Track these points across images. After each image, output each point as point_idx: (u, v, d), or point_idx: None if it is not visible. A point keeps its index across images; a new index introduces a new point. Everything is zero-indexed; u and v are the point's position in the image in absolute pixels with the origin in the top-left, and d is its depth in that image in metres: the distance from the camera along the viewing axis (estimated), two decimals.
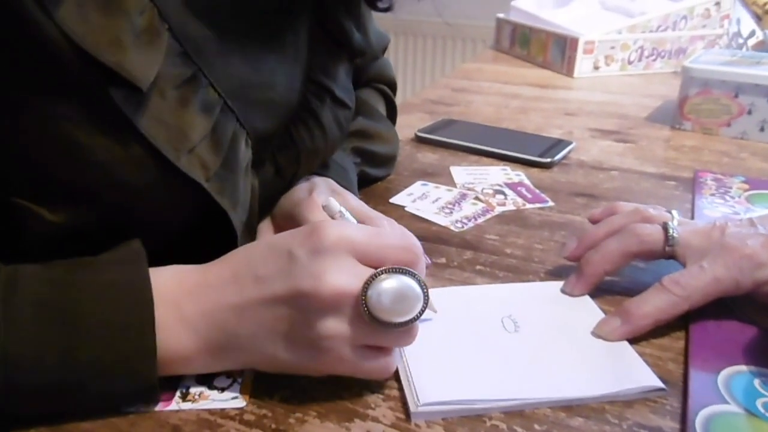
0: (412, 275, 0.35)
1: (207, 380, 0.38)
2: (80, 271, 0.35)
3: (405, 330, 0.36)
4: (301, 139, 0.51)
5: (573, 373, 0.39)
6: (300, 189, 0.52)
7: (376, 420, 0.36)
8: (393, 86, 0.75)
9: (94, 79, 0.34)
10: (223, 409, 0.36)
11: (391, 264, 0.35)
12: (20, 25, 0.31)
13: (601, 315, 0.45)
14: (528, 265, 0.54)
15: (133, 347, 0.33)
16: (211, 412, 0.36)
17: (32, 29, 0.32)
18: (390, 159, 0.72)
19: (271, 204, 0.53)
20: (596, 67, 1.23)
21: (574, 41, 1.21)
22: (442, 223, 0.61)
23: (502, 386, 0.38)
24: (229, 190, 0.41)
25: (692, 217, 0.62)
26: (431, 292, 0.36)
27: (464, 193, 0.68)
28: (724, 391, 0.38)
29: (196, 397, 0.37)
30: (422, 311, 0.35)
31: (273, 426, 0.35)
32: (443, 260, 0.54)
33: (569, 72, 1.23)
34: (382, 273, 0.35)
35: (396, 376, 0.39)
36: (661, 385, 0.38)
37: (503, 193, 0.68)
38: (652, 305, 0.43)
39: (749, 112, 0.87)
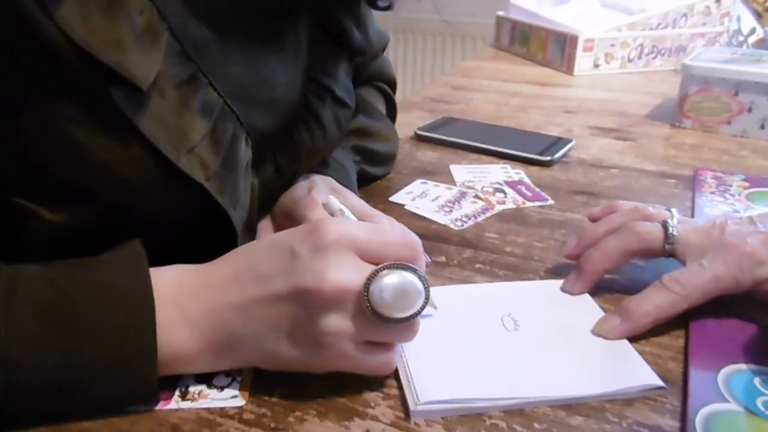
0: (413, 271, 0.35)
1: (206, 379, 0.38)
2: (81, 271, 0.35)
3: (407, 325, 0.36)
4: (301, 138, 0.51)
5: (573, 371, 0.39)
6: (300, 187, 0.52)
7: (375, 419, 0.36)
8: (393, 84, 0.74)
9: (95, 79, 0.34)
10: (222, 408, 0.37)
11: (391, 261, 0.36)
12: (20, 25, 0.31)
13: (600, 313, 0.45)
14: (528, 263, 0.54)
15: (133, 348, 0.33)
16: (210, 410, 0.36)
17: (32, 29, 0.32)
18: (390, 157, 0.71)
19: (271, 203, 0.53)
20: (596, 65, 1.23)
21: (574, 39, 1.21)
22: (442, 222, 0.61)
23: (501, 385, 0.38)
24: (229, 189, 0.41)
25: (692, 215, 0.62)
26: (431, 290, 0.36)
27: (464, 192, 0.68)
28: (724, 389, 0.38)
29: (196, 395, 0.37)
30: (423, 306, 0.36)
31: (272, 425, 0.35)
32: (443, 259, 0.54)
33: (569, 70, 1.23)
34: (384, 269, 0.35)
35: (395, 374, 0.39)
36: (660, 383, 0.38)
37: (503, 191, 0.68)
38: (652, 303, 0.43)
39: (749, 110, 0.87)
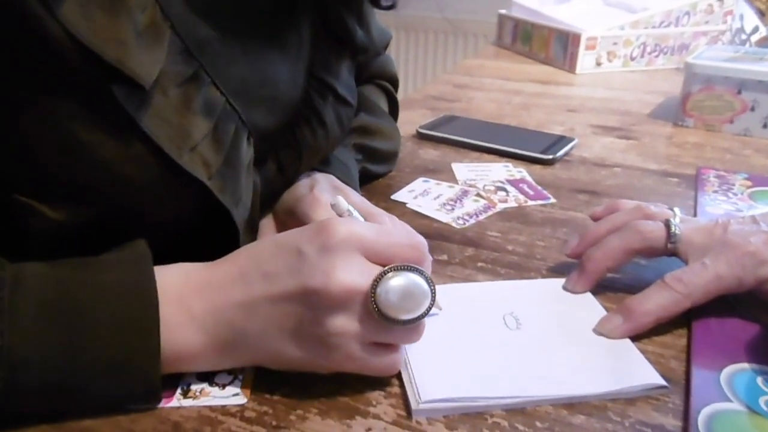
0: (420, 273, 0.35)
1: (208, 377, 0.38)
2: (85, 270, 0.35)
3: (413, 327, 0.36)
4: (303, 136, 0.51)
5: (575, 370, 0.39)
6: (302, 185, 0.52)
7: (377, 417, 0.36)
8: (395, 82, 0.74)
9: (97, 77, 0.33)
10: (224, 406, 0.37)
11: (398, 262, 0.36)
12: (22, 23, 0.31)
13: (603, 312, 0.45)
14: (530, 262, 0.54)
15: (136, 348, 0.33)
16: (212, 408, 0.36)
17: (34, 26, 0.31)
18: (391, 155, 0.71)
19: (273, 201, 0.53)
20: (598, 64, 1.23)
21: (577, 37, 1.20)
22: (444, 220, 0.61)
23: (503, 383, 0.38)
24: (231, 187, 0.41)
25: (695, 214, 0.62)
26: None
27: (466, 190, 0.68)
28: (726, 388, 0.38)
29: (197, 393, 0.37)
30: (430, 308, 0.36)
31: (274, 423, 0.35)
32: (445, 257, 0.54)
33: (571, 68, 1.23)
34: (390, 271, 0.35)
35: (397, 373, 0.39)
36: (663, 382, 0.38)
37: (505, 189, 0.68)
38: (654, 302, 0.43)
39: (752, 109, 0.86)
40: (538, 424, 0.36)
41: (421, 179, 0.71)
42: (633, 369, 0.39)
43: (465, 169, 0.74)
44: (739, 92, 0.86)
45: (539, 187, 0.69)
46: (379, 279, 0.35)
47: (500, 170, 0.74)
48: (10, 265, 0.34)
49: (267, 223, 0.52)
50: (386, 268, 0.35)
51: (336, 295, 0.34)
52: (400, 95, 0.75)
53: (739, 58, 0.91)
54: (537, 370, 0.39)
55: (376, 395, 0.38)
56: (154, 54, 0.35)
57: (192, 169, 0.38)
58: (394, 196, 0.66)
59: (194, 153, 0.38)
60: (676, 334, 0.44)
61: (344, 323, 0.35)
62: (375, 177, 0.70)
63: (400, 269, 0.35)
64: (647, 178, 0.72)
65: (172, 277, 0.36)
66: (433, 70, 2.54)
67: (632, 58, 1.25)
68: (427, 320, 0.37)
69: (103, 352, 0.33)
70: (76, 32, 0.32)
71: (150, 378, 0.34)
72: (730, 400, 0.37)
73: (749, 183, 0.69)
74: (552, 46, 1.28)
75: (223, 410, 0.36)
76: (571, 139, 0.82)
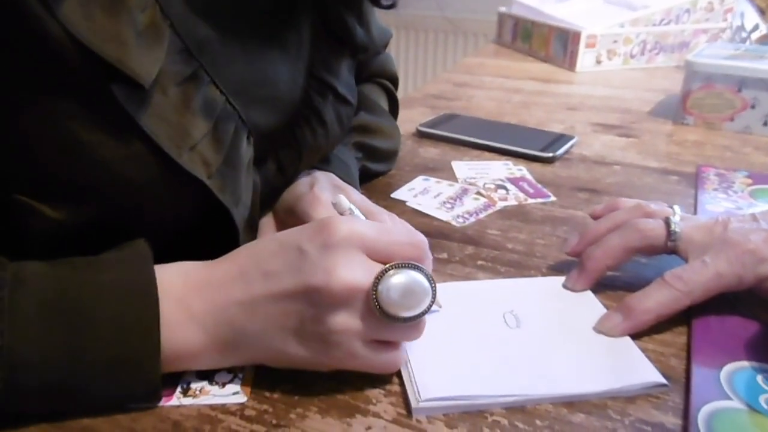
0: (421, 270, 0.36)
1: (208, 375, 0.38)
2: (86, 270, 0.35)
3: (413, 324, 0.36)
4: (303, 135, 0.51)
5: (575, 368, 0.39)
6: (302, 184, 0.52)
7: (377, 415, 0.36)
8: (395, 81, 0.74)
9: (96, 77, 0.33)
10: (224, 405, 0.37)
11: (399, 260, 0.36)
12: (22, 22, 0.31)
13: (602, 310, 0.45)
14: (530, 260, 0.54)
15: (136, 347, 0.33)
16: (212, 407, 0.36)
17: (34, 26, 0.31)
18: (391, 154, 0.71)
19: (273, 200, 0.53)
20: (598, 62, 1.23)
21: (577, 35, 1.20)
22: (444, 218, 0.61)
23: (503, 382, 0.38)
24: (231, 187, 0.41)
25: (695, 212, 0.62)
26: None
27: (466, 188, 0.68)
28: (726, 387, 0.38)
29: (197, 392, 0.37)
30: (431, 305, 0.36)
31: (274, 421, 0.35)
32: (445, 255, 0.54)
33: (571, 66, 1.23)
34: (392, 268, 0.35)
35: (397, 371, 0.39)
36: (663, 381, 0.38)
37: (505, 187, 0.68)
38: (654, 300, 0.43)
39: (753, 107, 0.86)
40: (537, 422, 0.36)
41: (421, 177, 0.71)
42: (633, 367, 0.39)
43: (465, 168, 0.74)
44: (740, 90, 0.86)
45: (539, 185, 0.69)
46: (381, 276, 0.35)
47: (500, 168, 0.74)
48: (11, 265, 0.34)
49: (267, 222, 0.52)
50: (387, 265, 0.35)
51: (337, 292, 0.34)
52: (400, 94, 0.75)
53: (739, 55, 0.91)
54: (537, 369, 0.39)
55: (376, 393, 0.38)
56: (153, 53, 0.35)
57: (191, 168, 0.38)
58: (394, 195, 0.66)
59: (194, 152, 0.38)
60: (676, 332, 0.44)
61: (346, 321, 0.35)
62: (375, 175, 0.70)
63: (401, 267, 0.35)
64: (647, 176, 0.72)
65: (172, 277, 0.36)
66: (433, 69, 2.54)
67: (632, 56, 1.25)
68: (427, 318, 0.37)
69: (103, 352, 0.33)
70: (76, 32, 0.32)
71: (150, 377, 0.34)
72: (730, 399, 0.37)
73: (749, 181, 0.69)
74: (552, 44, 1.28)
75: (223, 409, 0.36)
76: (571, 137, 0.82)
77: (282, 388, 0.38)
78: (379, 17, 0.66)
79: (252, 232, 0.47)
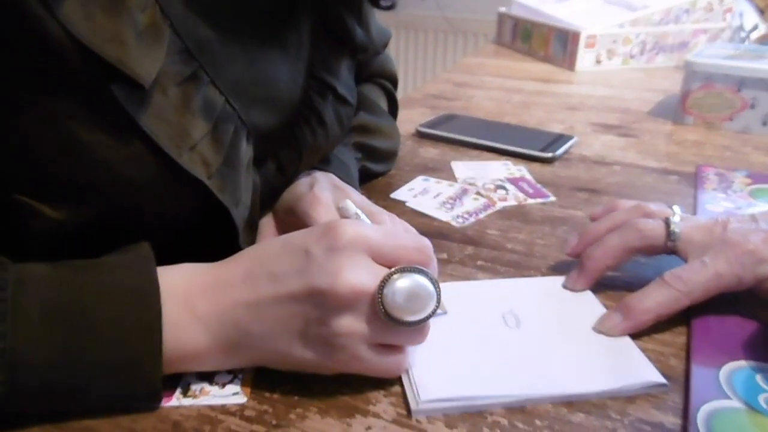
0: (426, 274, 0.36)
1: (208, 376, 0.38)
2: (88, 272, 0.35)
3: (418, 328, 0.36)
4: (302, 136, 0.51)
5: (574, 368, 0.39)
6: (301, 184, 0.52)
7: (377, 416, 0.36)
8: (394, 81, 0.74)
9: (97, 77, 0.34)
10: (223, 405, 0.37)
11: (404, 264, 0.36)
12: (23, 22, 0.31)
13: (602, 310, 0.45)
14: (529, 260, 0.54)
15: (138, 349, 0.33)
16: (212, 407, 0.36)
17: (35, 26, 0.32)
18: (391, 154, 0.71)
19: (273, 200, 0.53)
20: (598, 62, 1.23)
21: (576, 35, 1.20)
22: (444, 219, 0.61)
23: (503, 382, 0.38)
24: (231, 187, 0.41)
25: (694, 212, 0.62)
26: None
27: (465, 188, 0.68)
28: (725, 386, 0.38)
29: (197, 393, 0.37)
30: (435, 309, 0.36)
31: (274, 421, 0.36)
32: (444, 256, 0.54)
33: (571, 66, 1.23)
34: (397, 272, 0.35)
35: None
36: (662, 380, 0.38)
37: (504, 188, 0.68)
38: (653, 300, 0.43)
39: (752, 106, 0.86)
40: (537, 422, 0.36)
41: (420, 178, 0.71)
42: (633, 367, 0.39)
43: (464, 168, 0.74)
44: (739, 90, 0.86)
45: (539, 186, 0.69)
46: (386, 280, 0.35)
47: (500, 168, 0.74)
48: (13, 267, 0.34)
49: (267, 222, 0.52)
50: (393, 269, 0.35)
51: (343, 295, 0.34)
52: (399, 94, 0.75)
53: (738, 55, 0.91)
54: (537, 369, 0.39)
55: (375, 394, 0.38)
56: (153, 54, 0.35)
57: (191, 168, 0.38)
58: (393, 195, 0.66)
59: (194, 152, 0.38)
60: (675, 331, 0.44)
61: (351, 323, 0.35)
62: (375, 175, 0.70)
63: (406, 271, 0.35)
64: (647, 176, 0.72)
65: (177, 278, 0.36)
66: (432, 69, 2.54)
67: (632, 56, 1.25)
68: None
69: (105, 354, 0.33)
70: (76, 32, 0.32)
71: (151, 379, 0.34)
72: (729, 398, 0.37)
73: (749, 180, 0.69)
74: (552, 44, 1.28)
75: (223, 409, 0.36)
76: (570, 137, 0.82)
77: (282, 388, 0.38)
78: (379, 17, 0.66)
79: (252, 232, 0.47)
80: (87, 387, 0.33)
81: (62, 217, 0.37)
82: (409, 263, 0.36)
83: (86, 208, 0.37)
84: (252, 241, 0.47)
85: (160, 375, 0.34)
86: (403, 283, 0.35)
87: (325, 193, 0.50)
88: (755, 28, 1.23)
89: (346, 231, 0.35)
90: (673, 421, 0.36)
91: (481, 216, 0.62)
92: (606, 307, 0.46)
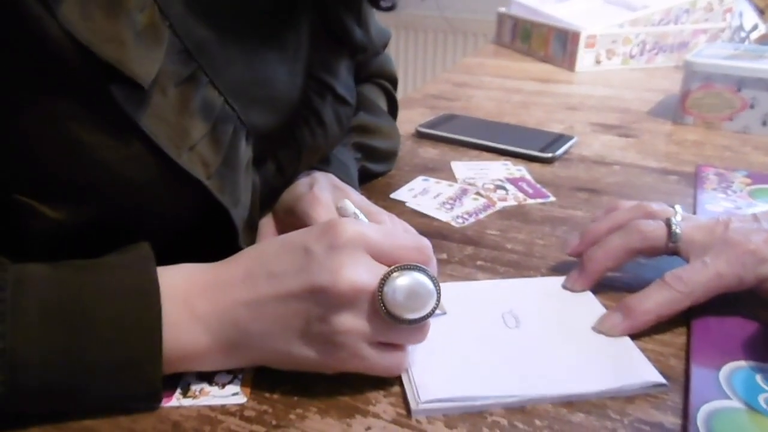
0: (425, 272, 0.36)
1: (208, 376, 0.38)
2: (88, 272, 0.35)
3: (418, 327, 0.37)
4: (302, 136, 0.51)
5: (574, 368, 0.39)
6: (301, 184, 0.52)
7: (376, 416, 0.36)
8: (394, 81, 0.74)
9: (96, 77, 0.33)
10: (223, 405, 0.37)
11: (404, 263, 0.36)
12: (22, 23, 0.31)
13: (602, 310, 0.45)
14: (529, 260, 0.54)
15: (138, 350, 0.33)
16: (211, 408, 0.36)
17: (34, 26, 0.32)
18: (391, 154, 0.71)
19: (272, 200, 0.53)
20: (598, 62, 1.23)
21: (576, 35, 1.20)
22: (443, 219, 0.61)
23: (503, 382, 0.38)
24: (230, 187, 0.41)
25: (694, 212, 0.62)
26: None
27: (465, 189, 0.68)
28: (725, 386, 0.38)
29: (197, 393, 0.37)
30: (435, 307, 0.36)
31: (273, 422, 0.35)
32: (444, 256, 0.54)
33: (571, 66, 1.23)
34: (396, 270, 0.35)
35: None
36: (662, 380, 0.38)
37: (504, 188, 0.68)
38: (654, 301, 0.43)
39: (752, 106, 0.86)
40: (537, 422, 0.36)
41: (420, 178, 0.71)
42: (632, 367, 0.39)
43: (464, 168, 0.74)
44: (739, 90, 0.86)
45: (538, 186, 0.69)
46: (386, 278, 0.35)
47: (499, 169, 0.74)
48: (12, 267, 0.34)
49: (267, 223, 0.52)
50: (392, 267, 0.35)
51: (344, 293, 0.34)
52: (399, 94, 0.75)
53: (738, 55, 0.91)
54: (536, 369, 0.39)
55: (375, 394, 0.38)
56: (152, 54, 0.35)
57: (191, 168, 0.38)
58: (393, 195, 0.66)
59: (193, 153, 0.38)
60: (675, 332, 0.44)
61: (351, 321, 0.35)
62: (374, 176, 0.70)
63: (407, 269, 0.35)
64: (646, 176, 0.72)
65: (176, 278, 0.36)
66: (432, 69, 2.54)
67: (632, 56, 1.25)
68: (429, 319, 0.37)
69: (104, 354, 0.33)
70: (75, 32, 0.32)
71: (151, 379, 0.34)
72: (729, 398, 0.37)
73: (749, 180, 0.69)
74: (551, 44, 1.28)
75: (223, 409, 0.36)
76: (570, 137, 0.82)
77: (282, 388, 0.38)
78: (378, 18, 0.66)
79: (251, 233, 0.47)
80: (87, 387, 0.33)
81: (62, 218, 0.37)
82: (408, 262, 0.36)
83: (86, 208, 0.37)
84: (252, 241, 0.47)
85: (160, 375, 0.34)
86: (403, 281, 0.35)
87: (325, 193, 0.50)
88: (755, 28, 1.23)
89: (346, 229, 0.35)
90: (672, 421, 0.36)
91: (481, 216, 0.62)
92: (606, 307, 0.46)
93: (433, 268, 0.38)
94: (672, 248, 0.46)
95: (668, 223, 0.46)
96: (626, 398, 0.38)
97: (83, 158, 0.35)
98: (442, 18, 2.38)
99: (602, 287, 0.48)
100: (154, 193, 0.38)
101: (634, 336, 0.42)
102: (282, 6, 0.47)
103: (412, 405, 0.36)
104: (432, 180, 0.70)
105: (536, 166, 0.75)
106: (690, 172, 0.73)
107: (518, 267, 0.53)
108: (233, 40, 0.43)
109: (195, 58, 0.39)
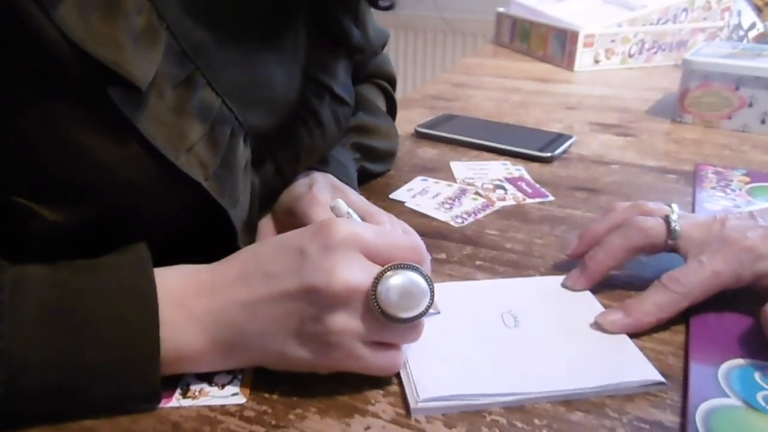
0: (419, 271, 0.36)
1: (207, 377, 0.38)
2: (86, 273, 0.35)
3: (412, 326, 0.37)
4: (300, 137, 0.51)
5: (573, 367, 0.39)
6: (300, 184, 0.52)
7: (375, 415, 0.36)
8: (392, 82, 0.74)
9: (93, 79, 0.34)
10: (223, 406, 0.37)
11: (397, 262, 0.36)
12: (19, 25, 0.31)
13: (600, 309, 0.45)
14: (528, 259, 0.54)
15: (136, 350, 0.34)
16: (211, 408, 0.36)
17: (31, 29, 0.32)
18: (390, 154, 0.71)
19: (271, 201, 0.53)
20: (596, 61, 1.23)
21: (575, 35, 1.20)
22: (442, 219, 0.61)
23: (502, 381, 0.38)
24: (229, 189, 0.41)
25: (693, 211, 0.62)
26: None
27: (464, 189, 0.68)
28: (724, 384, 0.38)
29: (197, 393, 0.37)
30: (429, 306, 0.36)
31: (273, 422, 0.36)
32: (443, 256, 0.54)
33: (569, 66, 1.23)
34: (390, 269, 0.35)
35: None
36: (661, 379, 0.38)
37: (503, 187, 0.68)
38: (652, 304, 0.43)
39: (750, 105, 0.86)
40: (536, 421, 0.36)
41: (419, 178, 0.71)
42: (631, 365, 0.39)
43: (463, 168, 0.74)
44: (737, 88, 0.86)
45: (537, 185, 0.69)
46: (380, 277, 0.35)
47: (498, 168, 0.74)
48: (11, 268, 0.34)
49: (266, 223, 0.52)
50: (386, 266, 0.36)
51: (338, 293, 0.34)
52: (398, 95, 0.75)
53: (736, 54, 0.91)
54: (535, 368, 0.39)
55: (374, 394, 0.38)
56: (150, 56, 0.36)
57: (189, 170, 0.38)
58: (392, 195, 0.66)
59: (191, 154, 0.38)
60: (674, 330, 0.44)
61: (346, 321, 0.35)
62: (373, 176, 0.70)
63: (400, 268, 0.35)
64: (645, 175, 0.72)
65: (173, 279, 0.36)
66: (431, 70, 2.55)
67: (630, 55, 1.25)
68: (425, 319, 0.37)
69: (102, 354, 0.33)
70: (72, 34, 0.32)
71: (150, 379, 0.34)
72: (727, 396, 0.37)
73: (747, 179, 0.69)
74: (550, 43, 1.28)
75: (223, 410, 0.36)
76: (569, 137, 0.82)
77: (281, 388, 0.38)
78: (377, 18, 0.66)
79: (251, 234, 0.47)
80: (86, 387, 0.33)
81: (61, 219, 0.37)
82: (402, 261, 0.36)
83: (85, 209, 0.37)
84: (251, 242, 0.47)
85: (159, 375, 0.34)
86: (396, 280, 0.35)
87: (324, 193, 0.50)
88: (753, 26, 1.23)
89: (339, 229, 0.36)
90: (671, 419, 0.36)
91: (480, 216, 0.62)
92: (604, 306, 0.46)
93: (427, 267, 0.38)
94: (671, 245, 0.46)
95: (667, 220, 0.46)
96: (625, 397, 0.38)
97: (82, 160, 0.35)
98: (441, 18, 2.38)
99: (601, 286, 0.48)
100: (152, 194, 0.38)
101: (633, 335, 0.42)
102: (279, 7, 0.47)
103: (411, 403, 0.36)
104: (431, 180, 0.70)
105: (535, 165, 0.75)
106: (689, 171, 0.73)
107: (517, 266, 0.53)
108: (230, 42, 0.43)
109: (192, 60, 0.39)
